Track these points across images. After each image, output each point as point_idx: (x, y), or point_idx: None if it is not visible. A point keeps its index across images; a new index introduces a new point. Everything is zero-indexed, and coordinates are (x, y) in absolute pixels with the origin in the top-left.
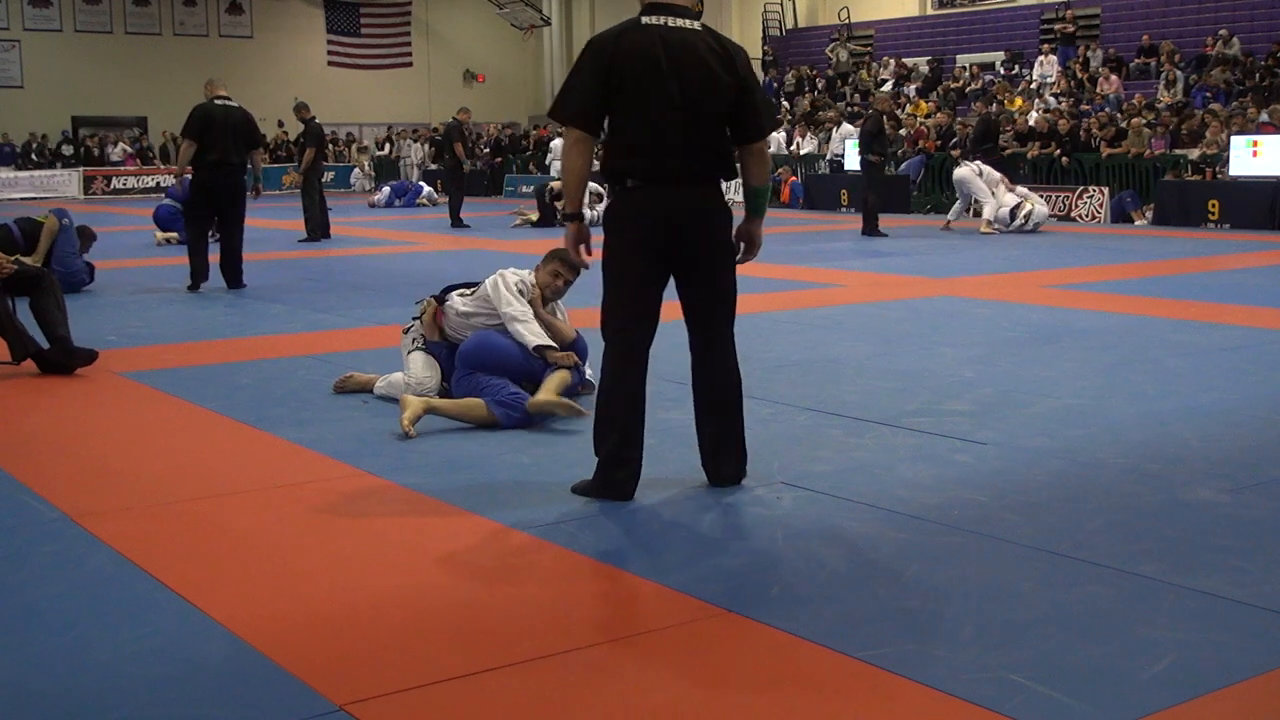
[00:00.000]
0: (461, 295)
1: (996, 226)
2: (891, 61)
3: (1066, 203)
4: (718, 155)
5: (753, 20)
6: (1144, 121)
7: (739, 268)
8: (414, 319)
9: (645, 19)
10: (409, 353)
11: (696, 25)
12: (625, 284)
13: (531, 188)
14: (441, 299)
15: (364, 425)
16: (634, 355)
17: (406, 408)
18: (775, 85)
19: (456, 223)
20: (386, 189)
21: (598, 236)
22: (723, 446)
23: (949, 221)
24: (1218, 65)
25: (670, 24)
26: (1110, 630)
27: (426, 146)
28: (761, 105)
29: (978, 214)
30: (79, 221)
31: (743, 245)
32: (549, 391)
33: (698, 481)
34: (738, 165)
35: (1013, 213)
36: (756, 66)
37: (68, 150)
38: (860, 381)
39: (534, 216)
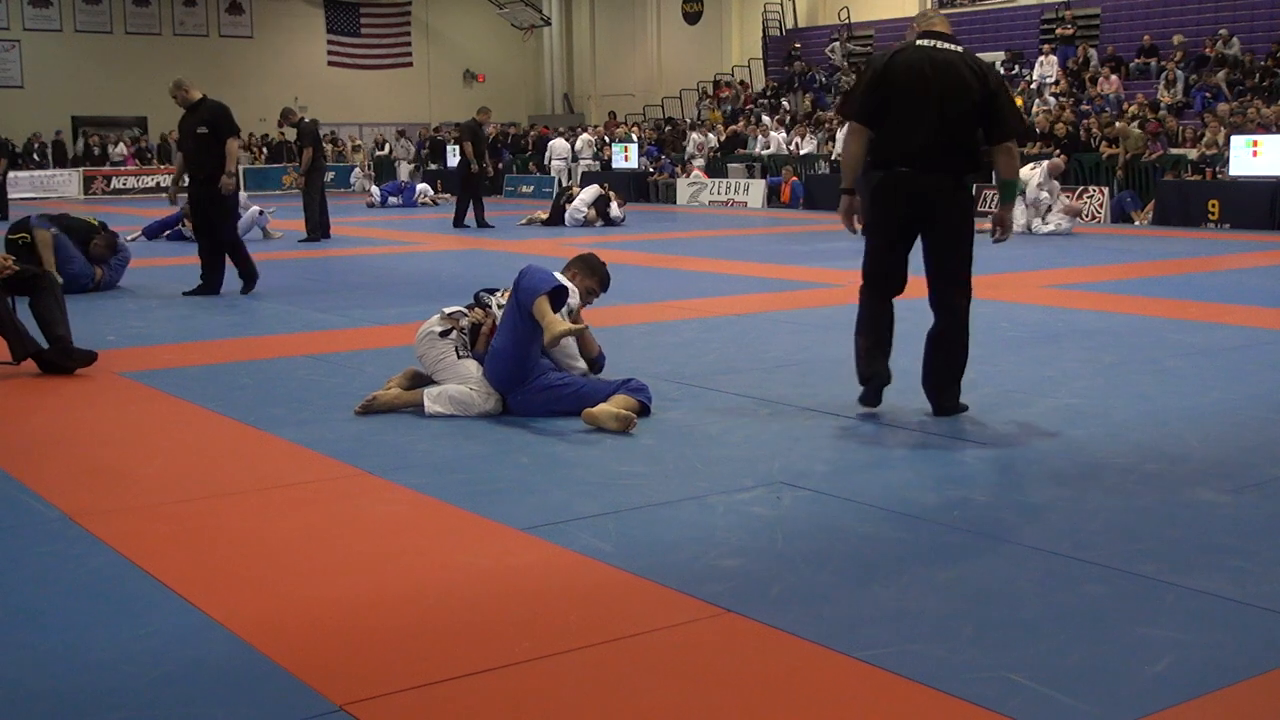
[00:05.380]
0: (501, 306)
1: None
2: None
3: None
4: (963, 151)
5: (753, 20)
6: (1134, 123)
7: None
8: (454, 328)
9: (920, 42)
10: (460, 358)
11: (958, 49)
12: (878, 246)
13: (532, 188)
14: (485, 306)
15: (364, 425)
16: (880, 301)
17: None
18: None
19: (458, 223)
20: (376, 190)
21: (598, 237)
22: (945, 382)
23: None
24: (1218, 65)
25: (939, 46)
26: (1110, 630)
27: (423, 146)
28: (1008, 114)
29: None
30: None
31: (998, 228)
32: (609, 404)
33: (699, 482)
34: (984, 161)
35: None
36: (757, 67)
37: (42, 153)
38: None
39: (543, 215)
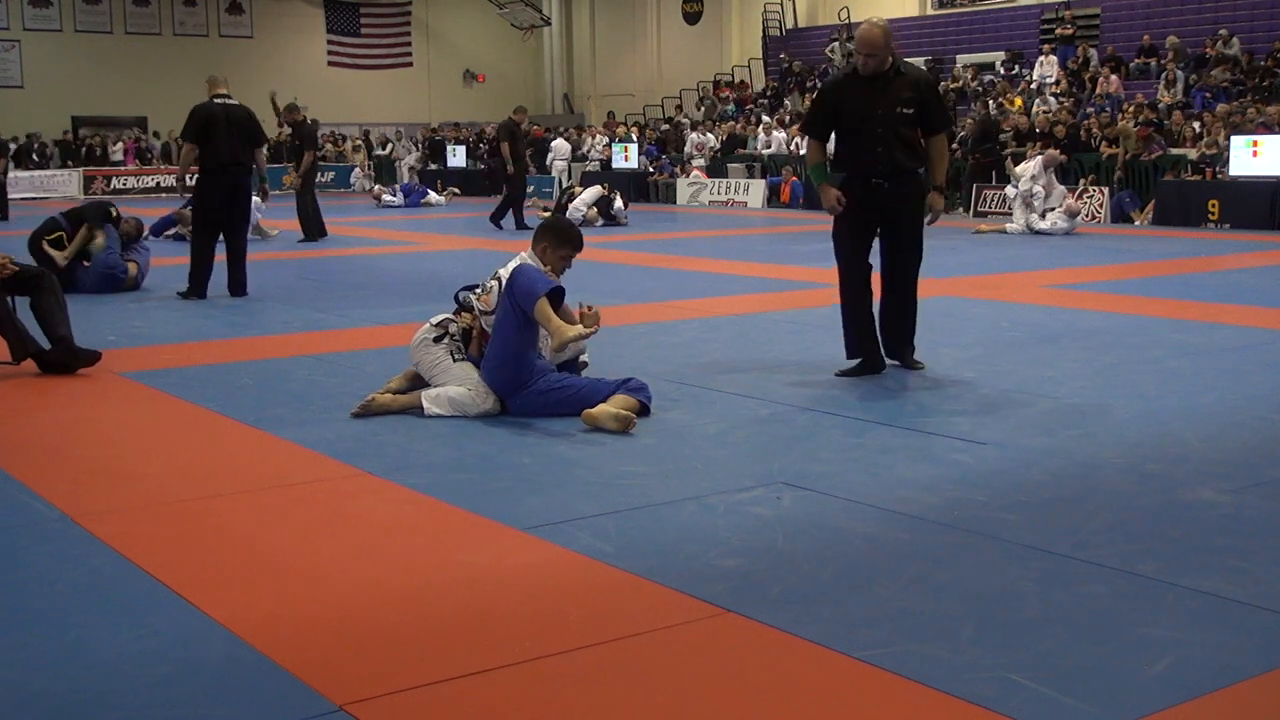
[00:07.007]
0: (482, 312)
1: (994, 230)
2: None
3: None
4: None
5: (753, 20)
6: (1132, 123)
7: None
8: (446, 334)
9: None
10: (456, 361)
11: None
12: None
13: (532, 188)
14: (469, 309)
15: (364, 425)
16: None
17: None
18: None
19: (496, 220)
20: (392, 192)
21: (599, 237)
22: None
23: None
24: (1218, 65)
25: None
26: (1110, 630)
27: (423, 146)
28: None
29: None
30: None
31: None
32: (609, 404)
33: (699, 482)
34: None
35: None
36: (757, 66)
37: (41, 153)
38: (860, 381)
39: (544, 211)
